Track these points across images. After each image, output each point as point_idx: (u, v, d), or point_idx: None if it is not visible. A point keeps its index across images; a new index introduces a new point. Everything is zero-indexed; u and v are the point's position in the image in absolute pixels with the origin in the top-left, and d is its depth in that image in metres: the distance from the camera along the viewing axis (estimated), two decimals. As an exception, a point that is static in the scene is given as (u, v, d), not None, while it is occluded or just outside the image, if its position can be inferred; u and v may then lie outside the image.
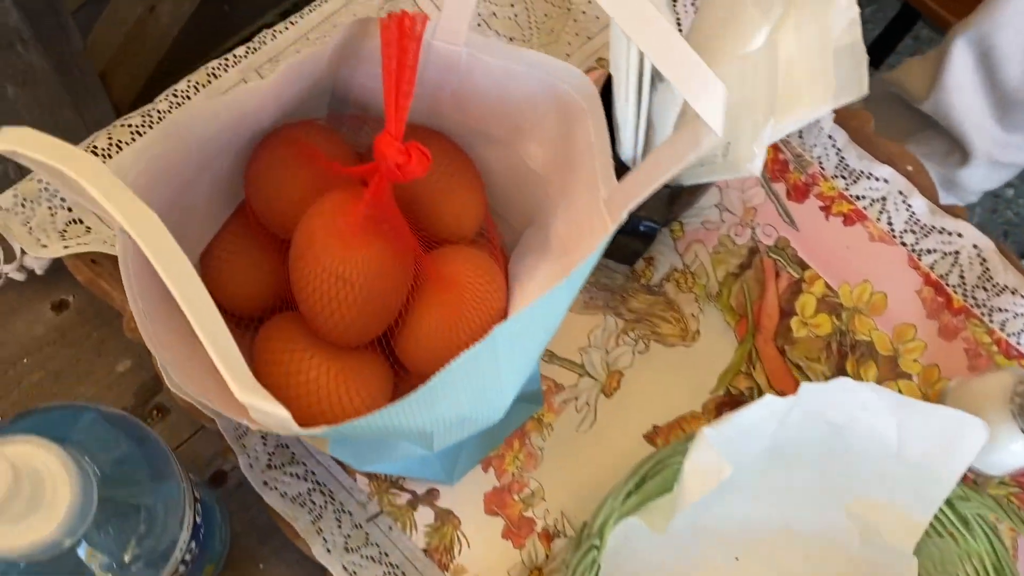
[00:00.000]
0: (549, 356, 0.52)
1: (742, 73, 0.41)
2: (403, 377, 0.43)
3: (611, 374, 0.52)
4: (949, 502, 0.47)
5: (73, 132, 0.59)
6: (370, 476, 0.48)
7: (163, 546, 0.33)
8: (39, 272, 0.48)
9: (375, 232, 0.38)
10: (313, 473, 0.47)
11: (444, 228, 0.43)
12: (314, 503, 0.46)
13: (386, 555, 0.46)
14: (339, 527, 0.46)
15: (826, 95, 0.41)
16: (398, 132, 0.34)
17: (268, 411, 0.27)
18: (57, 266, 0.49)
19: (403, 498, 0.48)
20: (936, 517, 0.48)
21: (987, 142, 0.92)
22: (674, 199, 0.49)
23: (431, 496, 0.48)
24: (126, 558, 0.31)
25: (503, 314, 0.42)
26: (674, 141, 0.32)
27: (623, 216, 0.35)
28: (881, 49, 1.11)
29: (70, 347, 0.49)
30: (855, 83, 0.41)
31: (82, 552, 0.30)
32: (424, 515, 0.48)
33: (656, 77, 0.44)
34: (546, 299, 0.34)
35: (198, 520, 0.36)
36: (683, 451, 0.45)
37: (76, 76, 0.68)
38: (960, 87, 0.88)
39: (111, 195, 0.25)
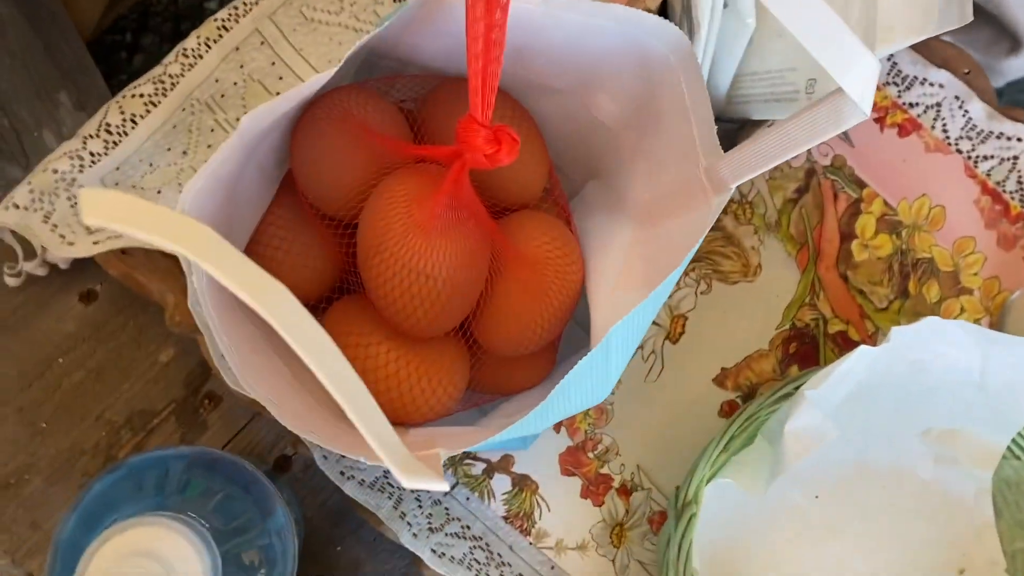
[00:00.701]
0: (610, 305, 0.49)
1: (833, 2, 0.37)
2: (479, 358, 0.41)
3: (675, 319, 0.50)
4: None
5: (47, 77, 0.54)
6: (442, 449, 0.46)
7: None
8: (62, 265, 0.44)
9: (454, 221, 0.34)
10: (385, 453, 0.45)
11: (511, 195, 0.40)
12: (391, 485, 0.44)
13: (468, 528, 0.45)
14: (419, 507, 0.44)
15: (927, 23, 0.37)
16: (486, 118, 0.30)
17: (431, 487, 0.24)
18: (79, 260, 0.44)
19: (478, 468, 0.46)
20: (1014, 440, 0.47)
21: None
22: (738, 133, 0.46)
23: (506, 463, 0.47)
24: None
25: (581, 283, 0.40)
26: (811, 115, 0.28)
27: (731, 189, 0.32)
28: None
29: (106, 341, 0.46)
30: (957, 7, 0.37)
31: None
32: (501, 483, 0.46)
33: (724, 3, 0.40)
34: (657, 293, 0.31)
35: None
36: (769, 406, 0.43)
37: (46, 19, 0.61)
38: None
39: (236, 272, 0.22)
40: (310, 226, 0.39)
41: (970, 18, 0.37)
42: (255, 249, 0.38)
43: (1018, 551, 0.48)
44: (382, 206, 0.35)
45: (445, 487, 0.24)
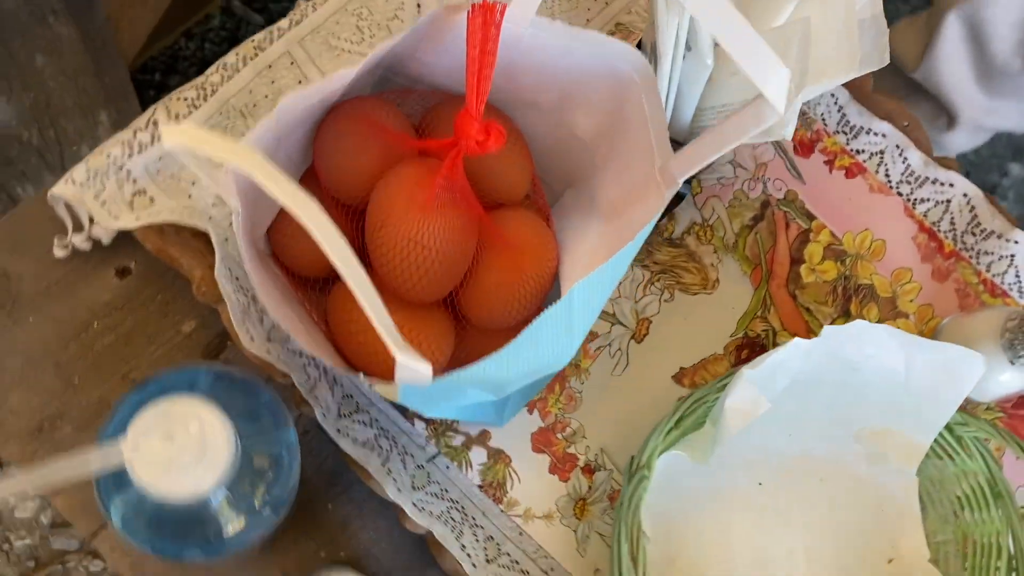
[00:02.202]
0: (583, 306, 0.56)
1: (774, 46, 0.44)
2: (465, 328, 0.47)
3: (640, 321, 0.56)
4: (948, 427, 0.52)
5: (93, 97, 0.61)
6: (427, 421, 0.51)
7: (287, 491, 0.36)
8: (105, 242, 0.50)
9: (448, 201, 0.41)
10: (377, 420, 0.50)
11: (499, 192, 0.46)
12: (380, 447, 0.50)
13: (446, 491, 0.50)
14: (404, 468, 0.50)
15: (851, 65, 0.44)
16: (478, 112, 0.37)
17: (416, 367, 0.30)
18: (118, 234, 0.51)
19: (458, 440, 0.52)
20: (936, 441, 0.53)
21: (973, 109, 0.97)
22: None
23: (483, 437, 0.52)
24: (257, 505, 0.35)
25: (555, 270, 0.46)
26: (739, 117, 0.35)
27: (679, 183, 0.39)
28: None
29: (136, 311, 0.52)
30: (877, 53, 0.44)
31: (218, 499, 0.33)
32: (478, 455, 0.52)
33: (687, 47, 0.47)
34: (615, 260, 0.38)
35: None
36: (717, 390, 0.49)
37: (99, 46, 0.69)
38: (950, 58, 0.92)
39: (277, 182, 0.28)
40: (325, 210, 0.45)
41: (887, 61, 0.44)
42: (279, 227, 0.45)
43: (942, 543, 0.53)
44: (388, 187, 0.41)
45: (428, 370, 0.30)
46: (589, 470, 0.53)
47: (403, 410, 0.51)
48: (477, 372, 0.36)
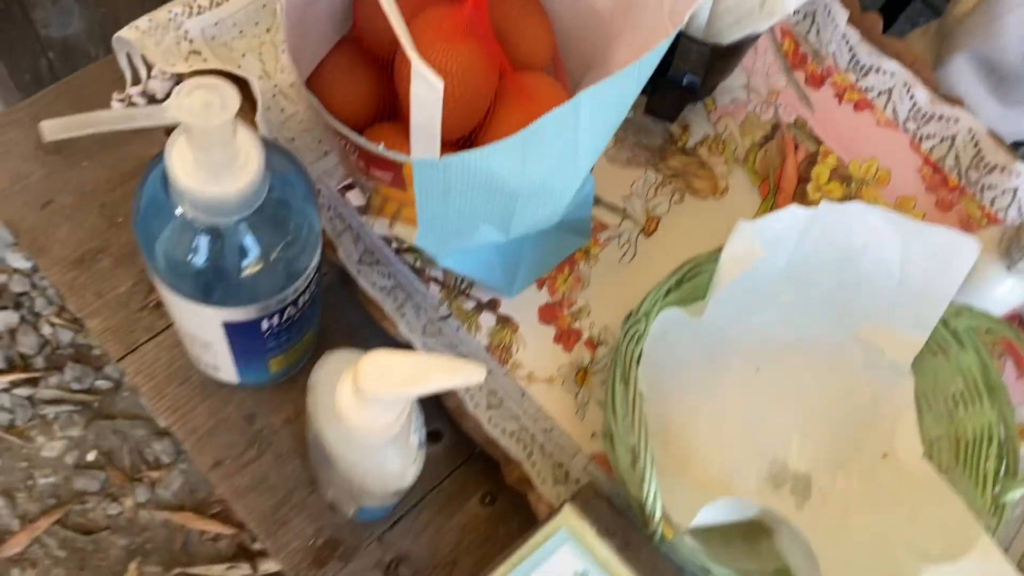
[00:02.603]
0: (596, 200, 0.58)
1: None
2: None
3: (650, 218, 0.59)
4: (943, 320, 0.53)
5: None
6: (441, 284, 0.54)
7: (299, 264, 0.39)
8: (159, 96, 0.54)
9: (473, 39, 0.44)
10: (394, 276, 0.53)
11: (520, 56, 0.50)
12: (396, 297, 0.52)
13: (455, 347, 0.53)
14: (417, 317, 0.52)
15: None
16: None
17: (429, 77, 0.33)
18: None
19: (470, 304, 0.54)
20: (931, 337, 0.54)
21: (988, 117, 0.99)
22: (714, 58, 0.56)
23: (493, 304, 0.54)
24: (272, 256, 0.38)
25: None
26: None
27: (685, 18, 0.42)
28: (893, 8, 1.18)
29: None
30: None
31: (241, 228, 0.36)
32: (487, 319, 0.54)
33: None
34: (621, 75, 0.41)
35: (317, 274, 0.43)
36: (715, 259, 0.51)
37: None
38: (960, 71, 0.96)
39: None
40: (363, 64, 0.49)
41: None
42: (321, 74, 0.49)
43: (936, 439, 0.54)
44: (417, 25, 0.45)
45: (440, 84, 0.33)
46: (592, 344, 0.55)
47: (418, 272, 0.54)
48: (486, 155, 0.38)
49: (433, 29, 0.44)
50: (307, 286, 0.42)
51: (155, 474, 1.07)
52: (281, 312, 0.41)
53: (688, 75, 0.55)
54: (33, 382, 1.08)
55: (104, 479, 1.05)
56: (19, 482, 1.04)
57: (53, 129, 0.35)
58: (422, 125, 0.37)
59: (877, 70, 0.66)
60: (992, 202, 0.63)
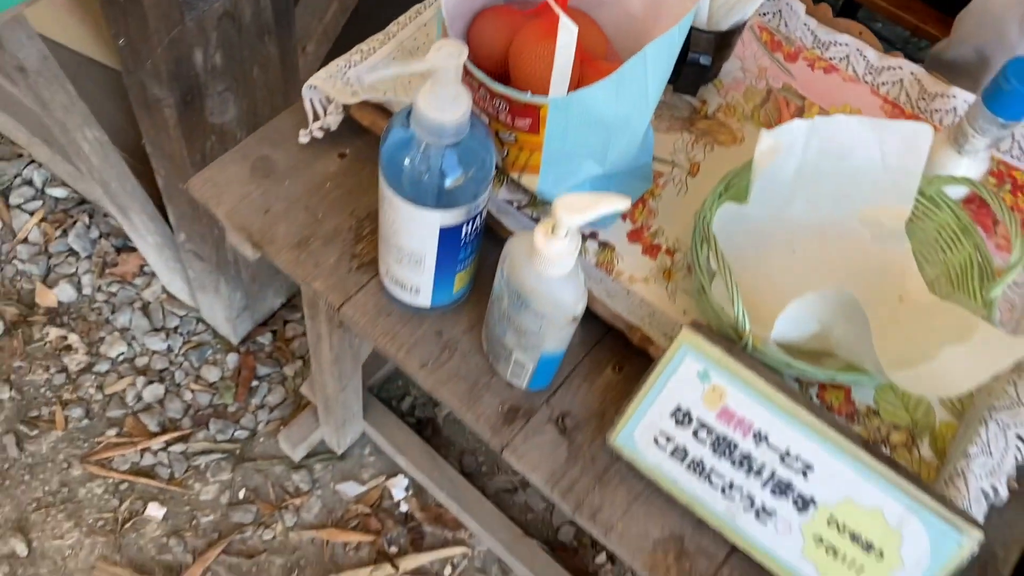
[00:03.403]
0: (653, 157, 0.79)
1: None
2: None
3: (692, 164, 0.79)
4: (920, 191, 0.73)
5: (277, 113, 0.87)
6: (554, 226, 0.73)
7: (484, 184, 0.58)
8: (332, 128, 0.75)
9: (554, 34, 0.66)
10: (519, 224, 0.73)
11: (586, 52, 0.71)
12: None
13: (574, 265, 0.72)
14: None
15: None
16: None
17: (567, 23, 0.54)
18: (338, 130, 0.76)
19: (577, 236, 0.73)
20: (914, 205, 0.73)
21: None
22: (719, 42, 0.77)
23: (594, 235, 0.74)
24: (469, 174, 0.57)
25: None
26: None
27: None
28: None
29: (353, 176, 0.76)
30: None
31: (453, 152, 0.56)
32: (591, 245, 0.73)
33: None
34: (669, 34, 0.62)
35: (483, 214, 0.62)
36: (748, 168, 0.71)
37: (289, 67, 0.97)
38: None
39: None
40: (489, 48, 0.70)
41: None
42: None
43: (934, 279, 0.72)
44: (520, 35, 0.66)
45: (575, 27, 0.53)
46: (670, 252, 0.74)
47: (535, 220, 0.73)
48: (593, 91, 0.59)
49: (533, 34, 0.66)
50: (485, 205, 0.61)
51: (297, 501, 1.22)
52: (472, 221, 0.60)
53: (702, 56, 0.77)
54: (184, 439, 1.25)
55: (256, 511, 1.21)
56: (185, 523, 1.20)
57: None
58: (562, 66, 0.57)
59: (834, 44, 0.88)
60: (940, 120, 0.84)
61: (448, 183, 0.57)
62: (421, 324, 0.70)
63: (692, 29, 0.77)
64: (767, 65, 0.86)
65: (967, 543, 0.56)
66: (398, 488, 1.25)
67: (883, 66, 0.86)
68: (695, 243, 0.67)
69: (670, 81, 0.81)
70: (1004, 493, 0.65)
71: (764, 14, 0.89)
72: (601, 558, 1.24)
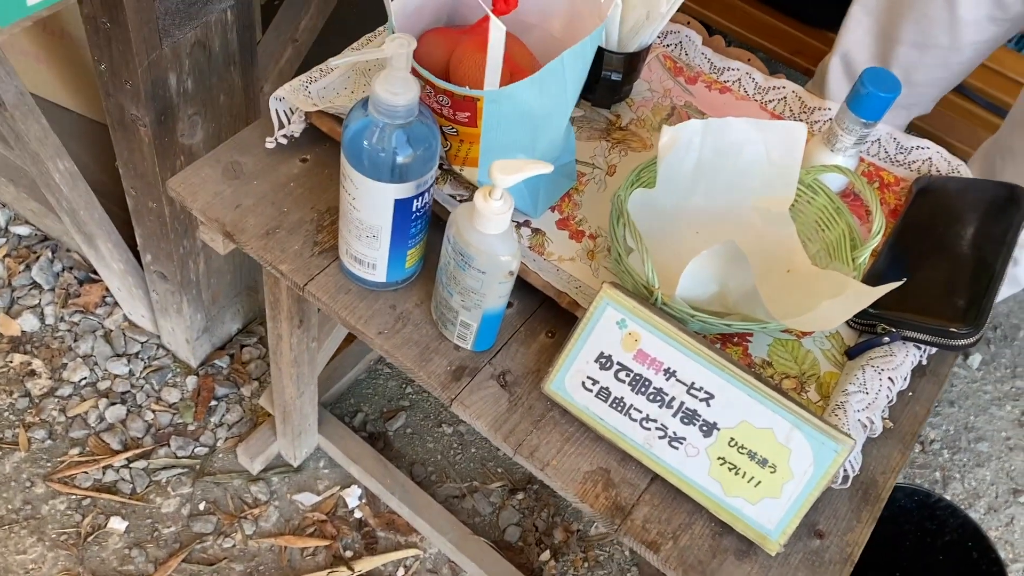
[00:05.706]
0: (577, 161, 0.90)
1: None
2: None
3: (610, 166, 0.90)
4: (800, 180, 0.85)
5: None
6: (492, 216, 0.83)
7: (431, 163, 0.68)
8: (296, 135, 0.85)
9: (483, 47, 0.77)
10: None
11: (517, 68, 0.82)
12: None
13: (510, 247, 0.81)
14: (483, 231, 0.81)
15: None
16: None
17: (496, 22, 0.64)
18: (299, 137, 0.85)
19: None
20: (796, 195, 0.85)
21: None
22: (628, 62, 0.89)
23: (527, 223, 0.84)
24: (419, 151, 0.67)
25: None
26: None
27: (607, 13, 0.75)
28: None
29: (314, 178, 0.85)
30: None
31: (405, 133, 0.65)
32: (524, 232, 0.83)
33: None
34: (582, 43, 0.73)
35: (431, 191, 0.72)
36: (654, 161, 0.82)
37: (252, 96, 1.07)
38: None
39: None
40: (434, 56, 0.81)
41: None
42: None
43: (816, 253, 0.84)
44: (460, 47, 0.77)
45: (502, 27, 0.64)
46: (593, 236, 0.84)
47: (476, 211, 0.83)
48: (521, 86, 0.69)
49: (471, 47, 0.77)
50: (432, 182, 0.71)
51: (256, 511, 1.27)
52: (421, 196, 0.70)
53: (613, 73, 0.89)
54: (145, 456, 1.29)
55: (216, 521, 1.25)
56: (147, 535, 1.23)
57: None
58: (494, 60, 0.68)
59: (728, 68, 1.01)
60: (819, 129, 0.97)
61: (400, 159, 0.66)
62: (377, 299, 0.78)
63: (604, 51, 0.89)
64: (671, 87, 0.99)
65: (843, 450, 0.66)
66: (352, 497, 1.30)
67: (769, 86, 0.99)
68: (612, 220, 0.77)
69: (588, 97, 0.93)
70: (879, 426, 0.75)
71: (667, 45, 1.02)
72: (545, 555, 1.30)
